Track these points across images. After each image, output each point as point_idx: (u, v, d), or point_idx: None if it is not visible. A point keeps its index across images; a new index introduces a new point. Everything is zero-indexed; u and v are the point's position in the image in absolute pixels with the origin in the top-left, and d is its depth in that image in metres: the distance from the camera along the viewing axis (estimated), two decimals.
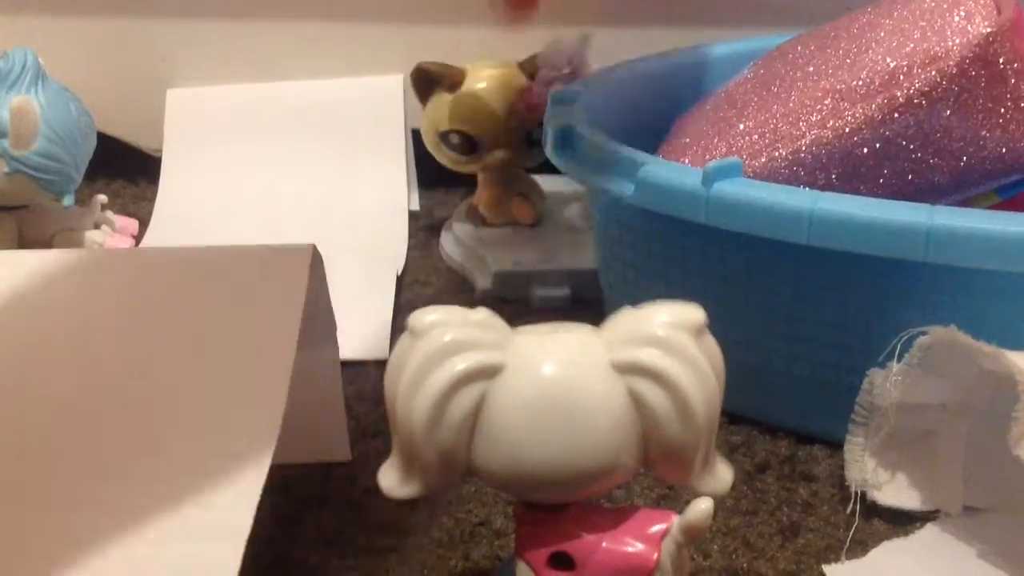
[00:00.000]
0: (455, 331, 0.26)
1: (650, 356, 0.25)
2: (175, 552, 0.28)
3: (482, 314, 0.26)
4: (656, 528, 0.27)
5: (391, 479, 0.27)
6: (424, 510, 0.38)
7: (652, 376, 0.25)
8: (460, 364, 0.26)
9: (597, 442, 0.26)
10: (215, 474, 0.30)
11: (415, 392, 0.26)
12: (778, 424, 0.43)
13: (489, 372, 0.26)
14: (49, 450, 0.31)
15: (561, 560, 0.27)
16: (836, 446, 0.39)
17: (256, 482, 0.29)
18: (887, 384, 0.35)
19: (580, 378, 0.26)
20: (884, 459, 0.37)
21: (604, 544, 0.27)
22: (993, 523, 0.36)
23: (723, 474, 0.28)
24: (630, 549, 0.27)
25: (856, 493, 0.37)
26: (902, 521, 0.37)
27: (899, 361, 0.35)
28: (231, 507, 0.29)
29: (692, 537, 0.26)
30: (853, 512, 0.37)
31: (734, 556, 0.35)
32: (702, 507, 0.26)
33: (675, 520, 0.26)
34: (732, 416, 0.44)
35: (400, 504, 0.37)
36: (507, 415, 0.26)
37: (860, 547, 0.36)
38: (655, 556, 0.26)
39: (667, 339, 0.26)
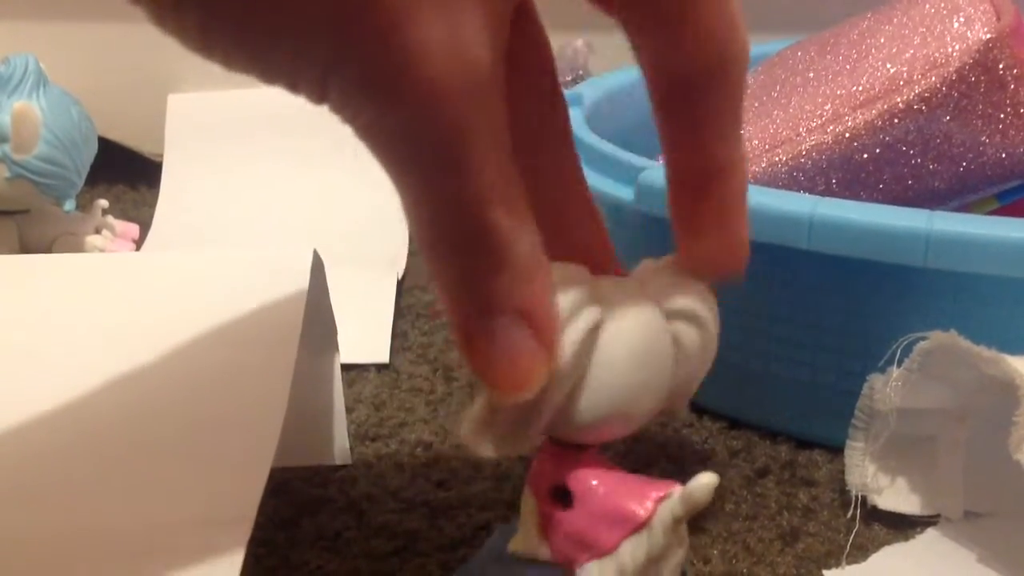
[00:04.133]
0: (575, 287, 0.26)
1: (691, 303, 0.28)
2: (174, 556, 0.28)
3: (579, 267, 0.27)
4: (656, 490, 0.27)
5: (489, 443, 0.26)
6: (424, 514, 0.38)
7: (693, 320, 0.28)
8: (588, 318, 0.26)
9: (668, 381, 0.28)
10: (215, 477, 0.30)
11: (564, 327, 0.25)
12: (778, 429, 0.43)
13: (601, 324, 0.26)
14: (48, 454, 0.31)
15: (563, 495, 0.28)
16: (836, 451, 0.39)
17: (256, 485, 0.29)
18: (887, 389, 0.36)
19: (660, 322, 0.27)
20: (884, 464, 0.37)
21: (604, 487, 0.27)
22: (994, 528, 0.36)
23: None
24: (625, 498, 0.27)
25: (856, 498, 0.37)
26: (903, 526, 0.37)
27: (899, 366, 0.35)
28: (231, 510, 0.29)
29: (690, 508, 0.26)
30: (853, 517, 0.37)
31: (734, 561, 0.35)
32: (704, 480, 0.26)
33: (678, 489, 0.27)
34: (732, 421, 0.44)
35: (400, 508, 0.38)
36: (619, 362, 0.26)
37: (861, 552, 0.36)
38: (646, 512, 0.27)
39: (698, 288, 0.28)
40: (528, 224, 0.23)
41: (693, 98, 0.26)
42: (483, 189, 0.22)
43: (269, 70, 0.21)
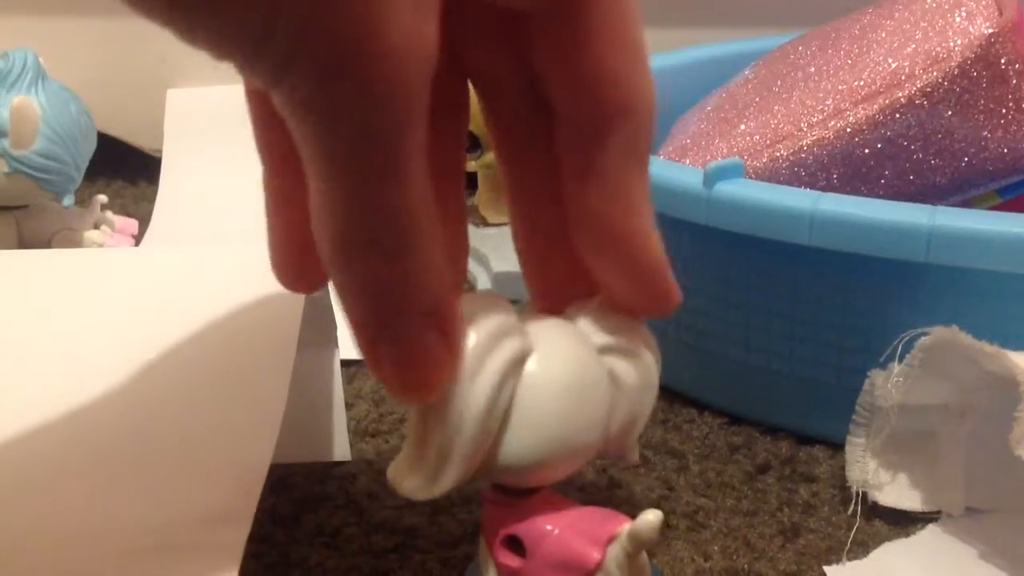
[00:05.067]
0: (499, 316, 0.25)
1: (624, 340, 0.28)
2: (175, 551, 0.28)
3: (500, 299, 0.26)
4: (606, 530, 0.27)
5: (416, 481, 0.26)
6: (424, 510, 0.38)
7: (627, 356, 0.28)
8: (511, 347, 0.25)
9: (602, 418, 0.27)
10: (214, 474, 0.30)
11: (472, 378, 0.25)
12: (779, 425, 0.42)
13: (524, 359, 0.26)
14: (46, 450, 0.31)
15: (515, 544, 0.28)
16: (837, 447, 0.39)
17: (256, 481, 0.29)
18: (888, 385, 0.35)
19: (591, 360, 0.27)
20: (885, 460, 0.37)
21: (553, 536, 0.27)
22: (995, 524, 0.36)
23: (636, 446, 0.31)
24: (575, 546, 0.27)
25: (857, 494, 0.37)
26: (903, 522, 0.37)
27: (900, 362, 0.35)
28: (231, 506, 0.29)
29: (638, 546, 0.26)
30: (854, 513, 0.37)
31: (735, 557, 0.35)
32: (649, 518, 0.26)
33: (625, 527, 0.26)
34: (732, 417, 0.44)
35: (400, 504, 0.38)
36: (545, 399, 0.26)
37: (861, 548, 0.36)
38: (597, 557, 0.26)
39: (630, 322, 0.28)
40: (437, 225, 0.23)
41: (590, 144, 0.25)
42: (415, 183, 0.21)
43: (228, 44, 0.20)
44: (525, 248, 0.29)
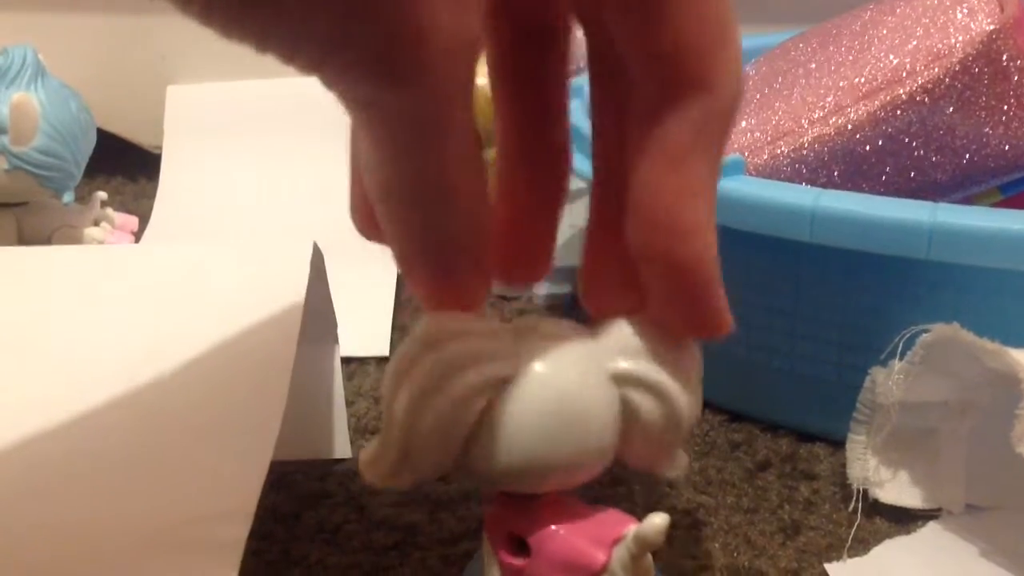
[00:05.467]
0: (467, 342, 0.25)
1: (646, 369, 0.26)
2: (174, 548, 0.28)
3: (490, 322, 0.26)
4: (611, 532, 0.27)
5: (379, 471, 0.26)
6: (425, 507, 0.38)
7: (647, 388, 0.26)
8: (475, 377, 0.25)
9: (593, 444, 0.26)
10: (215, 471, 0.30)
11: (425, 404, 0.25)
12: (779, 422, 0.42)
13: (501, 383, 0.26)
14: (45, 447, 0.31)
15: (520, 544, 0.27)
16: (838, 444, 0.39)
17: (256, 479, 0.29)
18: (889, 382, 0.35)
19: (583, 389, 0.26)
20: (886, 457, 0.37)
21: (558, 537, 0.27)
22: (996, 521, 0.36)
23: (681, 460, 0.29)
24: (580, 547, 0.27)
25: (858, 491, 0.37)
26: (904, 519, 0.37)
27: (901, 359, 0.35)
28: (231, 504, 0.28)
29: (643, 548, 0.26)
30: (855, 510, 0.37)
31: (735, 554, 0.35)
32: (656, 521, 0.25)
33: (631, 529, 0.26)
34: (733, 414, 0.44)
35: (401, 501, 0.38)
36: (513, 423, 0.26)
37: (862, 545, 0.36)
38: (603, 559, 0.26)
39: (660, 352, 0.26)
40: (479, 181, 0.24)
41: (661, 116, 0.23)
42: (456, 154, 0.23)
43: (267, 41, 0.21)
44: (587, 236, 0.28)
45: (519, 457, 0.26)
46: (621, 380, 0.26)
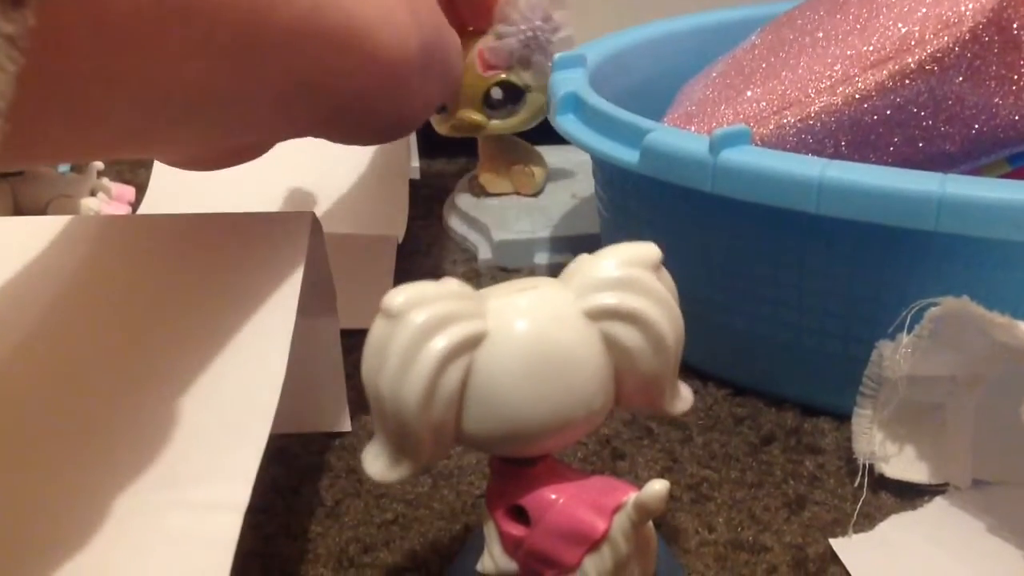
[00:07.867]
0: (431, 307, 0.25)
1: (620, 298, 0.26)
2: (174, 522, 0.28)
3: (452, 284, 0.26)
4: (611, 500, 0.26)
5: (380, 465, 0.27)
6: (425, 482, 0.37)
7: (625, 317, 0.26)
8: (444, 340, 0.25)
9: (583, 389, 0.26)
10: (214, 444, 0.30)
11: (403, 376, 0.25)
12: (784, 396, 0.42)
13: (473, 342, 0.26)
14: (45, 419, 0.31)
15: (520, 514, 0.27)
16: (843, 418, 0.39)
17: (255, 452, 0.29)
18: (896, 356, 0.35)
19: (560, 331, 0.26)
20: (892, 432, 0.37)
21: (558, 505, 0.27)
22: (1003, 496, 0.36)
23: (686, 394, 0.30)
24: (580, 515, 0.27)
25: (864, 466, 0.36)
26: (910, 494, 0.36)
27: (909, 333, 0.34)
28: (230, 477, 0.28)
29: (644, 516, 0.26)
30: (860, 485, 0.36)
31: (740, 529, 0.35)
32: (656, 488, 0.25)
33: (631, 496, 0.26)
34: (737, 388, 0.43)
35: None
36: (497, 380, 0.26)
37: (867, 520, 0.35)
38: (603, 527, 0.26)
39: (631, 279, 0.27)
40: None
41: None
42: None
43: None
44: None
45: (509, 412, 0.26)
46: (597, 315, 0.26)
